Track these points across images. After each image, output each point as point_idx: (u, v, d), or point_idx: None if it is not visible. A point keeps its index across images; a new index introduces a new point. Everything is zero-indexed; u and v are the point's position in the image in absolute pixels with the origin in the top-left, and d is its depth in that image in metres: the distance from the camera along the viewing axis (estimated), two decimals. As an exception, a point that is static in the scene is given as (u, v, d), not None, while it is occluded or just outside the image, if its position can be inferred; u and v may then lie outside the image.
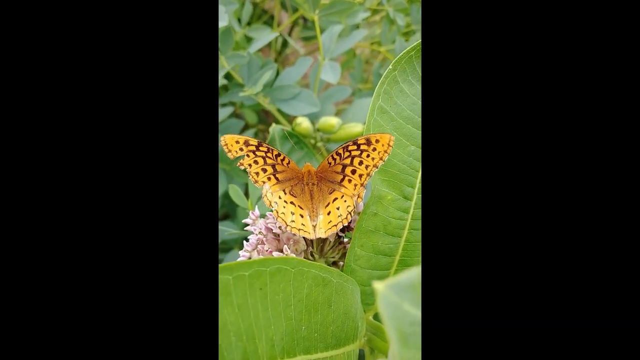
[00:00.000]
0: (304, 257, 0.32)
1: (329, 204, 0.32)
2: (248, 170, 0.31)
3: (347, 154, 0.32)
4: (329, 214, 0.32)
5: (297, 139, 0.52)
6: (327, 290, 0.28)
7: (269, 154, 0.32)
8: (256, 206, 0.34)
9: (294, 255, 0.31)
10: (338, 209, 0.32)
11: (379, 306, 0.16)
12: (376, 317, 0.36)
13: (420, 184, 0.32)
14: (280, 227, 0.32)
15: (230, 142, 0.31)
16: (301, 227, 0.31)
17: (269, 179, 0.32)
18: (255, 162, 0.31)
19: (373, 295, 0.34)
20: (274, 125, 0.51)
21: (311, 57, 0.62)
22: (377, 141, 0.31)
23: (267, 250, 0.31)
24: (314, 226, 0.31)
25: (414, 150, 0.32)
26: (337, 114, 0.65)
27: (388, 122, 0.31)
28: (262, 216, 0.34)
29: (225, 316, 0.23)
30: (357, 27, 0.69)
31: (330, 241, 0.34)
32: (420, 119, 0.32)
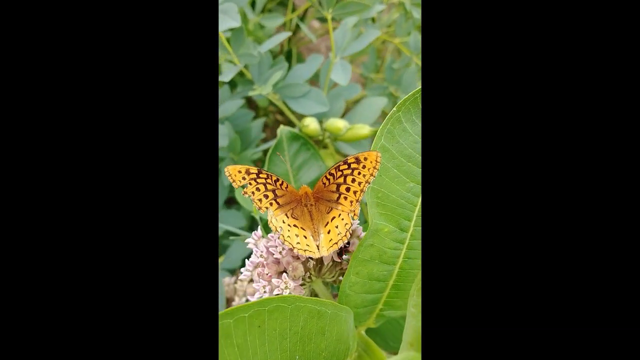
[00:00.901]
0: (302, 280, 0.34)
1: (327, 223, 0.34)
2: (252, 198, 0.33)
3: (339, 173, 0.34)
4: (329, 232, 0.34)
5: (304, 140, 0.53)
6: (322, 321, 0.30)
7: (269, 180, 0.34)
8: (259, 227, 0.36)
9: (292, 282, 0.33)
10: (337, 227, 0.34)
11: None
12: (368, 331, 0.39)
13: (417, 218, 0.34)
14: (280, 252, 0.33)
15: (233, 173, 0.33)
16: (306, 247, 0.33)
17: (271, 204, 0.34)
18: (258, 189, 0.33)
19: (366, 315, 0.37)
20: (281, 127, 0.52)
21: (322, 53, 0.61)
22: (365, 159, 0.33)
23: (267, 274, 0.33)
24: (318, 246, 0.33)
25: (413, 187, 0.33)
26: (346, 111, 0.65)
27: (389, 160, 0.32)
28: (264, 235, 0.36)
29: (225, 356, 0.25)
30: (372, 20, 0.68)
31: (327, 264, 0.35)
32: (420, 157, 0.33)
